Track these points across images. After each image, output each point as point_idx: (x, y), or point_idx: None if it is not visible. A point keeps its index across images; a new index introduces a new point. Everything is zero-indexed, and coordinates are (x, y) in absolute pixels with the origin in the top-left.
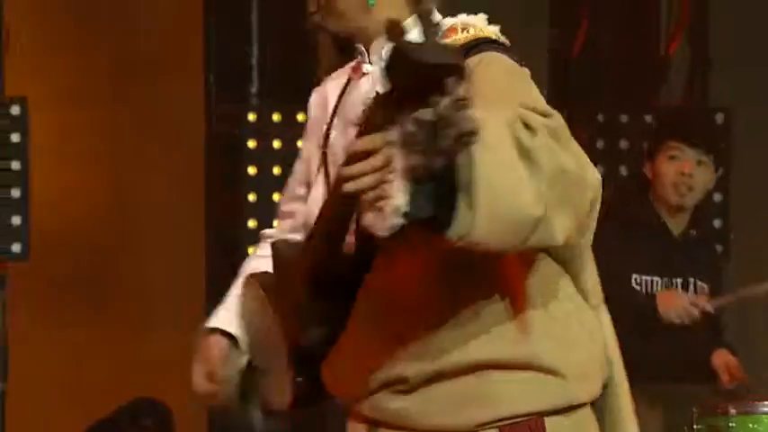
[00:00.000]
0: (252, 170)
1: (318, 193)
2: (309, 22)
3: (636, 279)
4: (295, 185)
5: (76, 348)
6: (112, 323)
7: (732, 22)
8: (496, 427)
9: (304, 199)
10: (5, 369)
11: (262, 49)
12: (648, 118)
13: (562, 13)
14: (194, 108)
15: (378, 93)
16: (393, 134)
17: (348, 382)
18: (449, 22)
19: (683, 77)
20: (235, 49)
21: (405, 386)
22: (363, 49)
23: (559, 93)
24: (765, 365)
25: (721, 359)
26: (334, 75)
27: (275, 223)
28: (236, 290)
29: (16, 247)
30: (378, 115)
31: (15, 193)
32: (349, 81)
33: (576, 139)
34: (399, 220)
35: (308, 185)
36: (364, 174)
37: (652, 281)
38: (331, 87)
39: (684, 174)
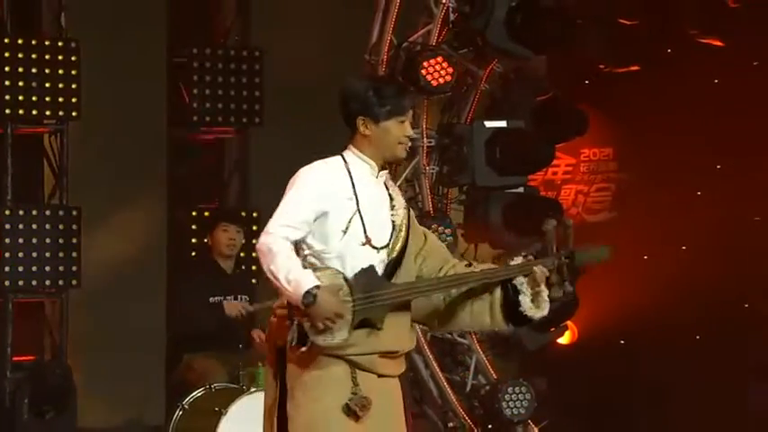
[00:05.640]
0: None
1: (357, 230)
2: (403, 147)
3: (211, 300)
4: (307, 214)
5: None
6: None
7: None
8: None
9: (309, 225)
10: None
11: None
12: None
13: None
14: None
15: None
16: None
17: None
18: None
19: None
20: None
21: (394, 355)
22: (377, 167)
23: None
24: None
25: (255, 334)
26: (325, 163)
27: (284, 229)
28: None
29: None
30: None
31: None
32: (349, 173)
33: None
34: None
35: (314, 220)
36: None
37: (218, 299)
38: (334, 171)
39: (231, 240)
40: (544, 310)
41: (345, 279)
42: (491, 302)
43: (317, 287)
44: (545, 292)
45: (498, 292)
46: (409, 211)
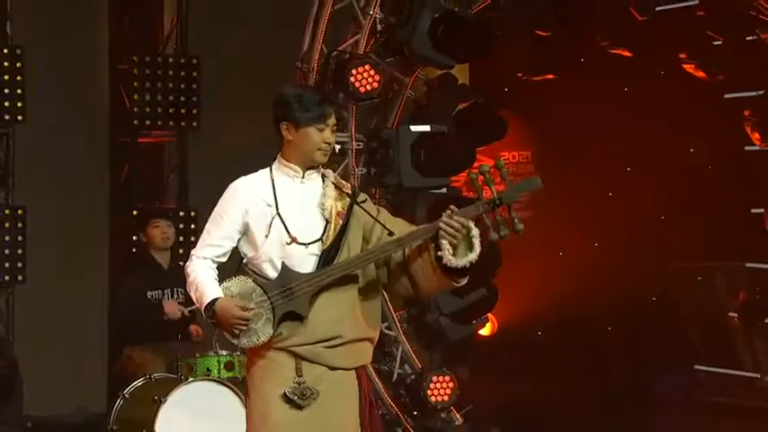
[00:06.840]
0: None
1: (279, 232)
2: (321, 152)
3: (149, 294)
4: (227, 230)
5: None
6: None
7: None
8: (356, 368)
9: (232, 239)
10: None
11: None
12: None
13: None
14: None
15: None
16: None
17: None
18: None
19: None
20: None
21: (336, 342)
22: (301, 170)
23: None
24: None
25: (193, 329)
26: (247, 178)
27: (202, 249)
28: (208, 276)
29: None
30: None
31: None
32: (272, 181)
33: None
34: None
35: (237, 233)
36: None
37: (155, 293)
38: (256, 182)
39: (164, 233)
40: (469, 257)
41: (255, 282)
42: (430, 260)
43: (215, 300)
44: (477, 239)
45: (432, 249)
46: (351, 201)
